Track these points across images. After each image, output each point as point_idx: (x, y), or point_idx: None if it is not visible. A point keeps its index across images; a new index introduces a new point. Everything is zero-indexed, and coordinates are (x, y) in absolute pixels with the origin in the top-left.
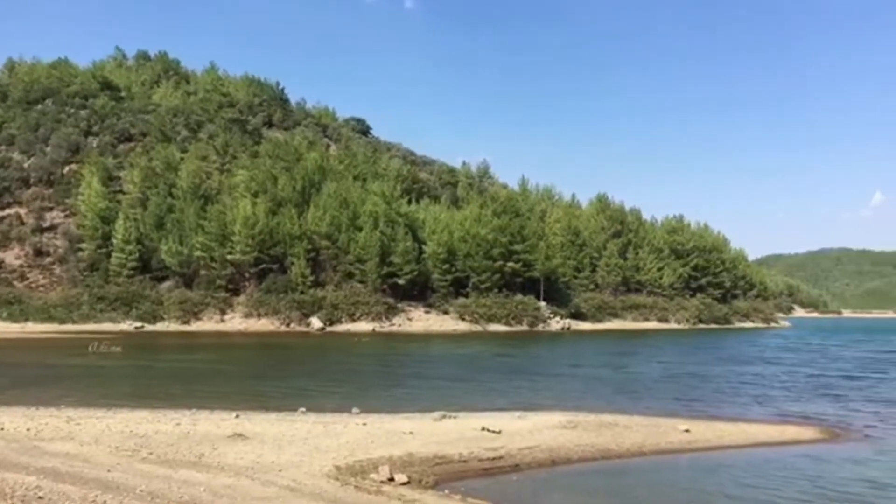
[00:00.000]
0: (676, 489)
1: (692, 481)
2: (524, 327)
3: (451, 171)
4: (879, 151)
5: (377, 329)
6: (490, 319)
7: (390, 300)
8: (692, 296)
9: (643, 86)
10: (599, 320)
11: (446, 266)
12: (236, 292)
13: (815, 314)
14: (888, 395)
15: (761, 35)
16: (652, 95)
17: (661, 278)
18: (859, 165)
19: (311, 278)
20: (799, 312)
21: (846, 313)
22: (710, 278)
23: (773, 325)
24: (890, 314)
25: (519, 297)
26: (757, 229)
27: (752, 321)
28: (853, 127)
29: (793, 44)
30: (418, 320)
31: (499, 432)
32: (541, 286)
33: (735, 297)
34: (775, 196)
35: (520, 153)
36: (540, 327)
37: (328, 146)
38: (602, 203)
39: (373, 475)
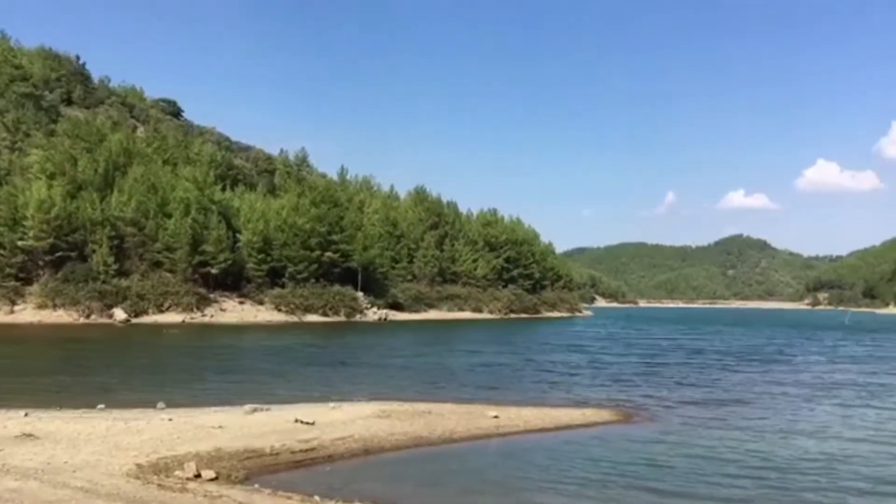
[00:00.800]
0: (481, 473)
1: (497, 465)
2: (341, 318)
3: (269, 158)
4: (671, 154)
5: (187, 320)
6: (307, 310)
7: (202, 290)
8: (504, 287)
9: (458, 84)
10: (416, 311)
11: (262, 255)
12: (28, 281)
13: (615, 304)
14: (673, 379)
15: (562, 31)
16: (465, 96)
17: (475, 269)
18: (654, 166)
19: (115, 267)
20: (601, 302)
21: (641, 303)
22: (521, 270)
23: (577, 314)
24: (679, 303)
25: (336, 287)
26: (564, 224)
27: (559, 311)
28: (649, 129)
29: (588, 43)
30: (232, 311)
31: (312, 423)
32: (358, 276)
33: (544, 287)
34: (581, 193)
35: (339, 143)
36: (357, 318)
37: (135, 128)
38: (420, 195)
39: (178, 472)
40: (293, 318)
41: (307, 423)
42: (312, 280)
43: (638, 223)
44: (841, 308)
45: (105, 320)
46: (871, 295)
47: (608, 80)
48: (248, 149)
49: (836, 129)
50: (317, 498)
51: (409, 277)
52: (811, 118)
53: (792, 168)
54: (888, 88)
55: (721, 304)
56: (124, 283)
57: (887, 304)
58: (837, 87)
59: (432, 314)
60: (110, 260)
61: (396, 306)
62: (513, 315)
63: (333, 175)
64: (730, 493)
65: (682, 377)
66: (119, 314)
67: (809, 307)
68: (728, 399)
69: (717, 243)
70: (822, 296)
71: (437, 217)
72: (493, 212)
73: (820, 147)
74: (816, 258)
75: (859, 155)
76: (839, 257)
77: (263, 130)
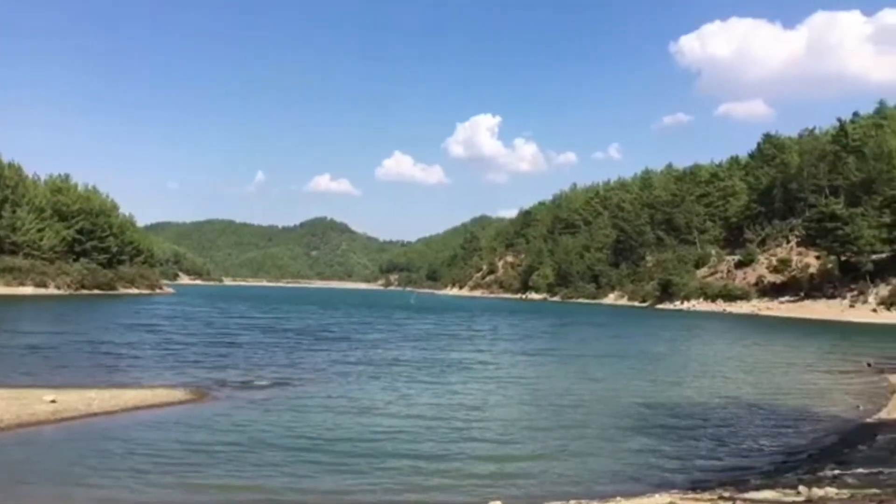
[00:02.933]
0: (20, 465)
1: (42, 455)
2: None
3: None
4: (261, 133)
5: None
6: None
7: None
8: (76, 260)
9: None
10: None
11: None
12: None
13: (200, 281)
14: (250, 359)
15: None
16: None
17: (41, 240)
18: (245, 145)
19: None
20: (185, 279)
21: (227, 281)
22: (96, 242)
23: (158, 291)
24: (264, 282)
25: None
26: (148, 196)
27: (138, 287)
28: (240, 107)
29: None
30: None
31: None
32: None
33: (122, 262)
34: (167, 165)
35: None
36: None
37: None
38: None
39: None
40: None
41: None
42: None
43: (227, 200)
44: (409, 289)
45: None
46: (433, 277)
47: (201, 62)
48: None
49: (412, 124)
50: None
51: None
52: (393, 112)
53: (374, 157)
54: (456, 92)
55: (304, 284)
56: None
57: (446, 286)
58: (418, 84)
59: None
60: None
61: None
62: (85, 291)
63: None
64: (266, 478)
65: (258, 357)
66: None
67: (382, 287)
68: (300, 378)
69: (302, 224)
70: (393, 277)
71: None
72: (66, 178)
73: (398, 140)
74: (390, 242)
75: (430, 151)
76: (409, 243)
77: None
